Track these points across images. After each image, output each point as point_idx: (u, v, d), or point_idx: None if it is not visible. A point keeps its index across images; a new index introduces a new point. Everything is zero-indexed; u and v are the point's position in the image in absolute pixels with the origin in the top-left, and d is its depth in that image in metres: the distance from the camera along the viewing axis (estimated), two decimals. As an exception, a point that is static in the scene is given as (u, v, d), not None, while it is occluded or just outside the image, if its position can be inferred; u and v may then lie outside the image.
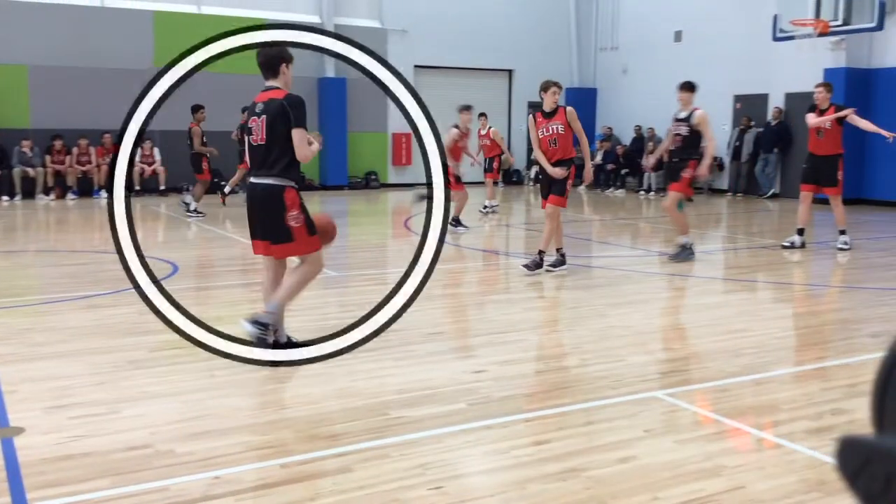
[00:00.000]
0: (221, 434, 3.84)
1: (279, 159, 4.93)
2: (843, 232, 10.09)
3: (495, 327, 6.09)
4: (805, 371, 5.11)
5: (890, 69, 16.07)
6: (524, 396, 4.47)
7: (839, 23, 14.98)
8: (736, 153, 18.90)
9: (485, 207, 14.50)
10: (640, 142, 20.39)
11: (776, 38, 16.14)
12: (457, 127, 12.06)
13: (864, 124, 9.94)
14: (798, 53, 16.42)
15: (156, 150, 17.96)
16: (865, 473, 0.60)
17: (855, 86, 16.22)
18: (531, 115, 8.48)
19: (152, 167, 17.92)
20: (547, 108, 8.24)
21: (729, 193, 18.98)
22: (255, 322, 4.95)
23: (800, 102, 17.55)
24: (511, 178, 22.09)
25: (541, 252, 8.31)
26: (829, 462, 3.54)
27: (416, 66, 21.03)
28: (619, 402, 4.40)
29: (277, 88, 5.12)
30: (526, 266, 8.28)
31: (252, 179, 5.12)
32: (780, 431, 3.97)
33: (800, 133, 15.21)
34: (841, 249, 9.99)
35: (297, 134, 4.90)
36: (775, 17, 16.03)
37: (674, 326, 6.19)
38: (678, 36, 20.30)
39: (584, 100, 22.08)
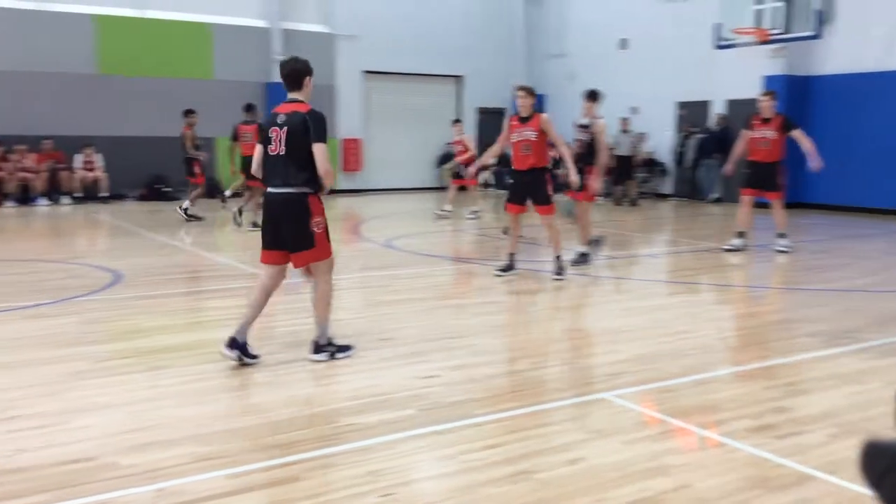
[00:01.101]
0: (167, 445, 3.78)
1: (300, 171, 5.02)
2: (782, 235, 10.36)
3: (446, 332, 6.10)
4: (746, 371, 5.22)
5: (828, 76, 16.56)
6: (474, 401, 4.49)
7: (779, 31, 15.39)
8: (679, 159, 19.29)
9: (443, 211, 14.68)
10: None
11: (718, 46, 16.52)
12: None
13: (806, 143, 10.29)
14: (739, 61, 16.83)
15: (98, 157, 17.60)
16: (890, 477, 0.62)
17: (794, 93, 16.67)
18: (507, 117, 8.45)
19: (94, 173, 17.55)
20: (523, 112, 8.17)
21: (673, 198, 19.33)
22: (318, 349, 5.26)
23: (741, 109, 17.95)
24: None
25: (558, 258, 8.33)
26: (772, 460, 3.63)
27: (365, 72, 20.99)
28: (567, 404, 4.45)
29: (300, 102, 5.21)
30: (557, 274, 8.26)
31: (270, 189, 5.14)
32: (723, 430, 4.05)
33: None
34: (781, 252, 10.25)
35: (318, 149, 5.00)
36: (717, 26, 16.40)
37: (620, 329, 6.28)
38: (624, 44, 20.63)
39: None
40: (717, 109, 18.44)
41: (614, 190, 18.26)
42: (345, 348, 5.37)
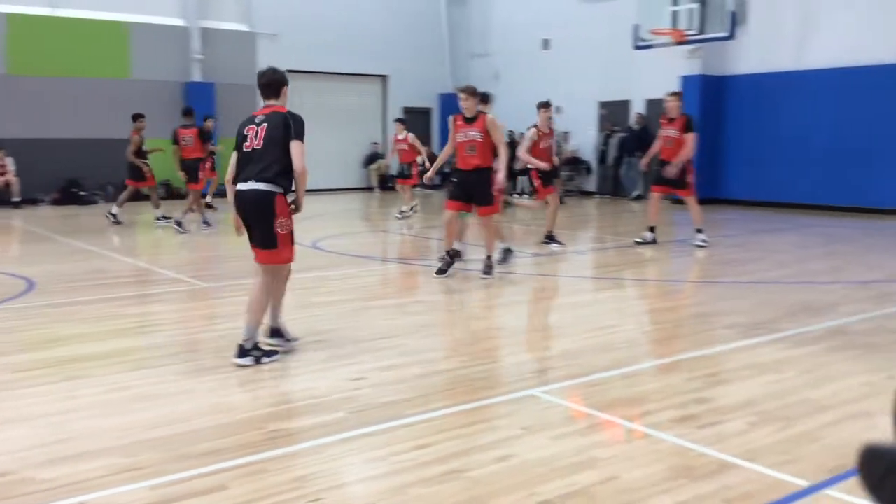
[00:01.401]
0: (87, 457, 3.65)
1: (272, 165, 5.06)
2: (699, 230, 10.69)
3: (374, 333, 6.08)
4: (669, 363, 5.36)
5: (741, 76, 17.12)
6: (405, 401, 4.47)
7: (694, 32, 15.83)
8: (602, 157, 19.68)
9: (401, 213, 14.66)
10: (513, 146, 20.84)
11: (637, 47, 16.90)
12: (536, 126, 10.53)
13: (684, 152, 10.54)
14: (657, 61, 17.25)
15: (9, 160, 16.92)
16: (888, 482, 0.62)
17: (710, 92, 17.19)
18: (451, 118, 8.44)
19: (4, 177, 16.87)
20: (467, 113, 8.21)
21: (597, 195, 19.71)
22: (243, 353, 5.17)
23: (660, 108, 18.43)
24: (387, 183, 22.02)
25: (489, 258, 8.46)
26: (695, 449, 3.73)
27: (288, 71, 20.69)
28: (496, 401, 4.48)
29: (278, 105, 5.33)
30: (485, 274, 8.36)
31: (240, 186, 5.14)
32: (648, 422, 4.14)
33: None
34: (699, 246, 10.56)
35: (296, 145, 5.09)
36: (635, 27, 16.77)
37: (547, 325, 6.37)
38: (546, 44, 20.92)
39: (458, 105, 22.37)
40: (637, 109, 18.87)
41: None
42: (271, 353, 5.29)
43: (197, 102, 19.24)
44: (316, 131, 21.92)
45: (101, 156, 17.79)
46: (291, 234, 5.24)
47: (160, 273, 8.93)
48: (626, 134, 18.83)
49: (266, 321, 5.41)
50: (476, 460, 3.61)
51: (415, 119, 22.01)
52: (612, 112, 19.65)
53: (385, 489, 3.34)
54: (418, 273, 9.18)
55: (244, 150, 5.16)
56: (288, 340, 5.53)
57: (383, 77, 22.63)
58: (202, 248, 11.39)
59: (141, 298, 7.54)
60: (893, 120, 14.75)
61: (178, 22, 19.30)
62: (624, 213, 16.27)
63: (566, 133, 19.71)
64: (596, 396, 4.59)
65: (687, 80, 17.30)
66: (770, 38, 16.45)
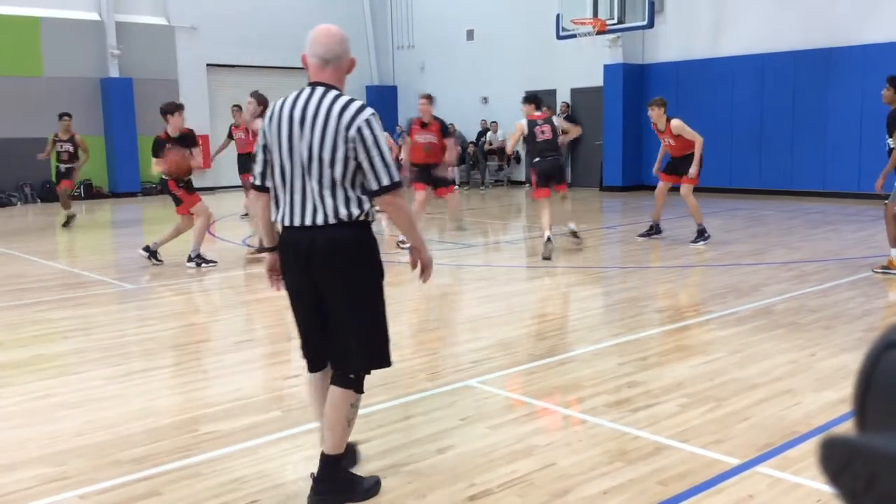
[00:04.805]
0: (10, 469, 3.50)
1: None
2: (574, 231, 10.18)
3: (307, 330, 5.99)
4: (602, 348, 5.43)
5: (660, 64, 17.48)
6: (340, 397, 4.42)
7: (615, 21, 16.06)
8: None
9: None
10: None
11: (560, 37, 17.06)
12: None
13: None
14: (580, 51, 17.45)
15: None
16: (848, 472, 0.62)
17: (631, 80, 17.50)
18: (410, 120, 9.83)
19: None
20: (424, 118, 9.70)
21: (526, 185, 19.86)
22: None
23: (584, 97, 18.70)
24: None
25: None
26: (629, 433, 3.79)
27: (208, 65, 20.28)
28: (435, 393, 4.47)
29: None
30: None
31: None
32: (584, 407, 4.19)
33: (586, 127, 16.10)
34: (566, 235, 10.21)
35: None
36: (558, 17, 16.94)
37: (483, 316, 6.39)
38: (470, 35, 20.96)
39: (384, 97, 22.27)
40: (563, 98, 19.08)
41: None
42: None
43: (115, 99, 18.72)
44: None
45: (15, 156, 17.10)
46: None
47: (83, 275, 8.63)
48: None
49: None
50: (415, 453, 3.59)
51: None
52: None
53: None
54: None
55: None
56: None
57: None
58: (125, 249, 11.05)
59: (63, 302, 7.27)
60: (809, 105, 15.27)
61: (93, 16, 18.66)
62: (553, 202, 16.42)
63: (493, 123, 19.82)
64: (532, 385, 4.63)
65: (609, 68, 17.57)
66: (687, 27, 16.84)
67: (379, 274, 3.15)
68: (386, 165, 2.98)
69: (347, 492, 3.12)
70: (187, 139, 8.52)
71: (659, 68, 17.50)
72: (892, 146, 7.56)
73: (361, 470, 3.37)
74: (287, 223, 3.04)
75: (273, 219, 3.16)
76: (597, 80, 18.07)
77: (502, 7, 19.87)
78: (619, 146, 17.65)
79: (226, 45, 20.19)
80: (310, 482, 3.13)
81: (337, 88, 3.09)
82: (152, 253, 8.79)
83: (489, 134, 20.09)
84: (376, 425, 3.96)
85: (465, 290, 7.92)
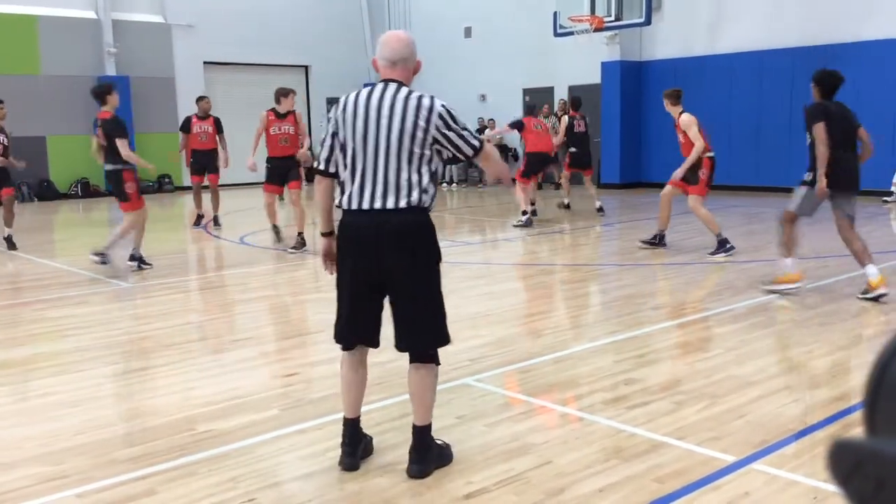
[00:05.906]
0: (9, 468, 3.51)
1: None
2: (525, 213, 11.67)
3: (305, 328, 6.00)
4: (599, 346, 5.44)
5: (658, 61, 17.49)
6: (338, 396, 4.40)
7: (612, 19, 16.07)
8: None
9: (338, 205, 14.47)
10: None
11: (557, 34, 17.06)
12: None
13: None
14: (578, 48, 17.46)
15: None
16: (857, 476, 0.62)
17: (629, 77, 17.51)
18: (265, 112, 9.73)
19: None
20: (281, 110, 9.70)
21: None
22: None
23: (582, 94, 18.68)
24: (313, 175, 21.77)
25: (300, 234, 9.56)
26: (626, 430, 3.80)
27: (205, 63, 20.27)
28: (430, 392, 4.47)
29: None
30: (294, 248, 9.51)
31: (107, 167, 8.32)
32: (581, 405, 4.20)
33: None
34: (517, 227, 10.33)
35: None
36: (555, 14, 16.93)
37: (480, 313, 6.39)
38: (468, 32, 20.96)
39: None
40: (560, 95, 19.08)
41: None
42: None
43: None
44: (238, 123, 21.69)
45: (12, 155, 17.04)
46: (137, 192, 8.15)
47: (79, 273, 8.63)
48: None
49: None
50: (412, 452, 3.59)
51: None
52: (536, 98, 19.82)
53: (320, 485, 3.30)
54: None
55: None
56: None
57: (305, 67, 22.33)
58: (122, 248, 11.03)
59: (61, 301, 7.28)
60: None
61: (90, 14, 18.64)
62: (553, 199, 16.44)
63: (491, 120, 19.81)
64: (529, 382, 4.64)
65: (607, 66, 17.58)
66: (685, 24, 16.84)
67: (440, 257, 3.42)
68: (471, 133, 3.36)
69: (440, 457, 3.44)
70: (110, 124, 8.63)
71: (656, 65, 17.51)
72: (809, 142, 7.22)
73: (365, 462, 3.40)
74: (355, 206, 3.24)
75: (336, 203, 3.37)
76: (594, 77, 18.08)
77: (500, 5, 19.87)
78: (617, 143, 17.68)
79: (223, 43, 20.19)
80: (309, 482, 3.14)
81: (406, 85, 3.36)
82: (138, 259, 8.70)
83: (487, 131, 20.08)
84: (373, 423, 3.97)
85: (461, 287, 7.92)
